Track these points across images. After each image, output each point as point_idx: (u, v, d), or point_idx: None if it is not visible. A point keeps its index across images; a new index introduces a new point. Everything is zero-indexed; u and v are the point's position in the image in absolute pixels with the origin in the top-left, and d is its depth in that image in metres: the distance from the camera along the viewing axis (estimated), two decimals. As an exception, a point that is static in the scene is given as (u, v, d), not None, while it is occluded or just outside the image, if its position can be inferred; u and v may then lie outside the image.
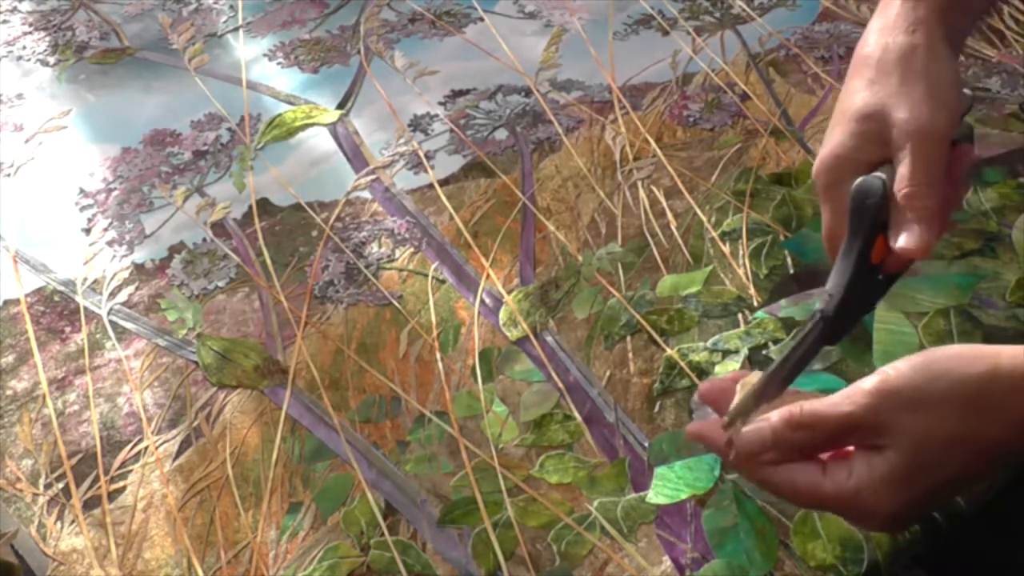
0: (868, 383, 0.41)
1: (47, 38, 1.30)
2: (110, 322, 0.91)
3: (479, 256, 0.92)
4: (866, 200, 0.45)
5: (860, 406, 0.41)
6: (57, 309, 0.93)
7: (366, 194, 1.01)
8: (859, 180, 0.46)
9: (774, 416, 0.44)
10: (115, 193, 1.05)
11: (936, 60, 0.49)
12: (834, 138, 0.50)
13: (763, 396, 0.46)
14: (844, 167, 0.48)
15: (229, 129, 1.11)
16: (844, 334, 0.48)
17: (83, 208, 1.04)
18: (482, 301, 0.88)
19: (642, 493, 0.71)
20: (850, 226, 0.46)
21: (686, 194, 0.95)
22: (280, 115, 1.12)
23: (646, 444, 0.74)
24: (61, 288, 0.95)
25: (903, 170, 0.46)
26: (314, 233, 0.97)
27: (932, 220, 0.46)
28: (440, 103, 1.12)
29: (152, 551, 0.73)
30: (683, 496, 0.70)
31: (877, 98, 0.49)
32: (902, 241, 0.45)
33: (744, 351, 0.79)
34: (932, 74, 0.48)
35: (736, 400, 0.47)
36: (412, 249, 0.94)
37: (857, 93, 0.50)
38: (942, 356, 0.41)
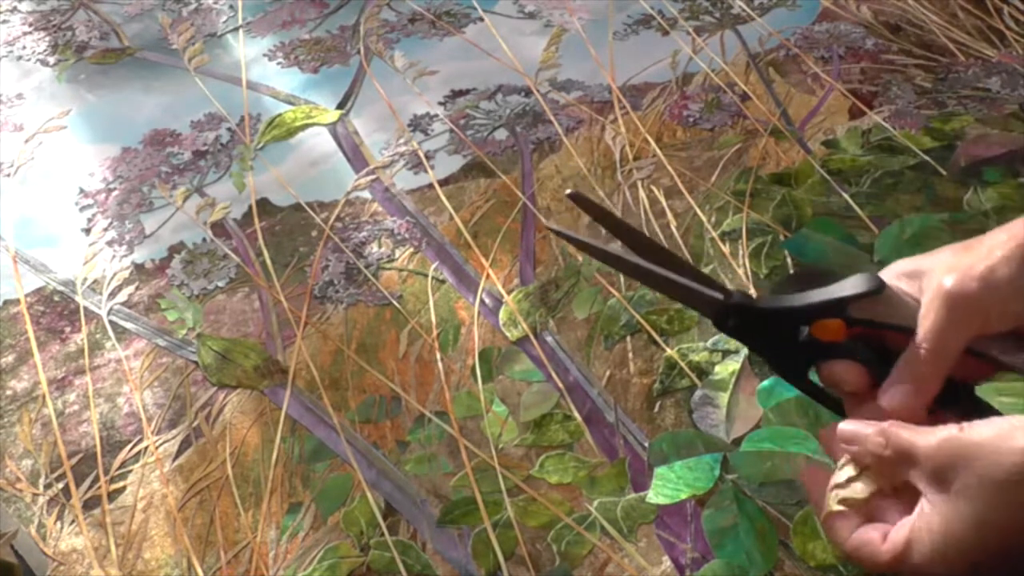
0: (945, 430, 0.42)
1: (47, 38, 1.30)
2: (110, 322, 0.91)
3: (479, 256, 0.92)
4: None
5: (926, 444, 0.42)
6: (57, 309, 0.93)
7: (366, 194, 1.01)
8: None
9: (871, 424, 0.46)
10: (115, 193, 1.05)
11: (1009, 259, 0.47)
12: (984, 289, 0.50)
13: None
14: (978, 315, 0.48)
15: (229, 129, 1.11)
16: None
17: (83, 208, 1.04)
18: (482, 301, 0.88)
19: (642, 493, 0.71)
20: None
21: (686, 194, 0.95)
22: (280, 115, 1.12)
23: (646, 444, 0.74)
24: (61, 288, 0.95)
25: (919, 326, 0.46)
26: (314, 233, 0.97)
27: (923, 387, 0.46)
28: (440, 103, 1.12)
29: (152, 551, 0.73)
30: (683, 496, 0.70)
31: (926, 260, 0.48)
32: (882, 399, 0.47)
33: (744, 351, 0.79)
34: (993, 257, 0.47)
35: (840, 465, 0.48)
36: (412, 249, 0.94)
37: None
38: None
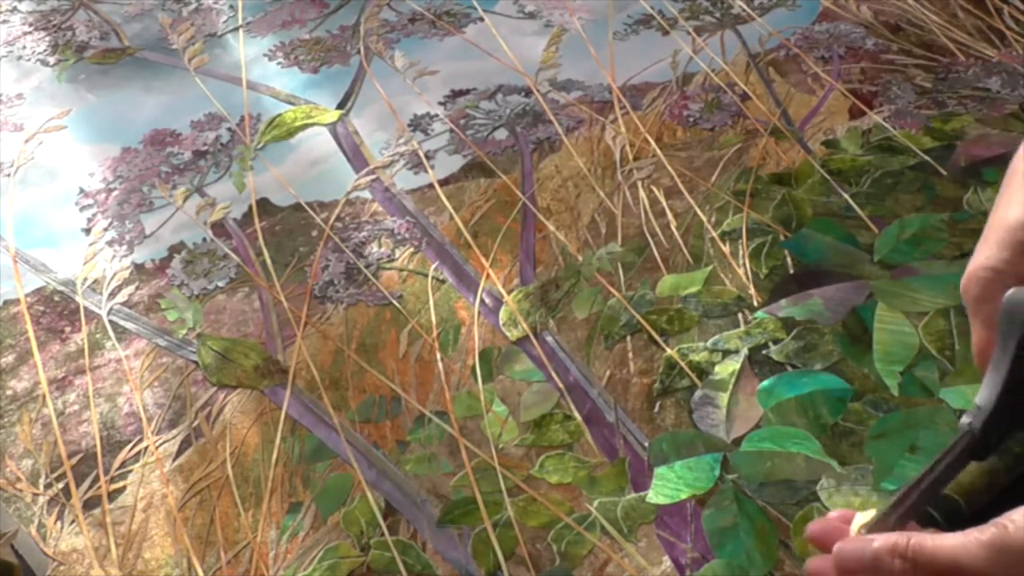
0: (985, 535, 0.37)
1: (47, 38, 1.30)
2: (110, 322, 0.91)
3: (479, 256, 0.92)
4: (1017, 312, 0.44)
5: (973, 556, 0.37)
6: (57, 309, 0.93)
7: (366, 194, 1.01)
8: (1010, 292, 0.44)
9: (879, 539, 0.42)
10: (115, 193, 1.05)
11: None
12: (985, 251, 0.47)
13: (901, 509, 0.45)
14: (996, 280, 0.46)
15: (229, 129, 1.11)
16: (995, 448, 0.47)
17: (83, 208, 1.04)
18: (482, 301, 0.88)
19: (642, 493, 0.71)
20: (1000, 338, 0.45)
21: (686, 194, 0.95)
22: (280, 115, 1.12)
23: (646, 444, 0.74)
24: (61, 288, 0.95)
25: None
26: (314, 233, 0.97)
27: None
28: (440, 103, 1.12)
29: (152, 551, 0.73)
30: (683, 496, 0.70)
31: None
32: None
33: (744, 351, 0.79)
34: None
35: (854, 531, 0.45)
36: (412, 249, 0.94)
37: (1012, 206, 0.48)
38: None
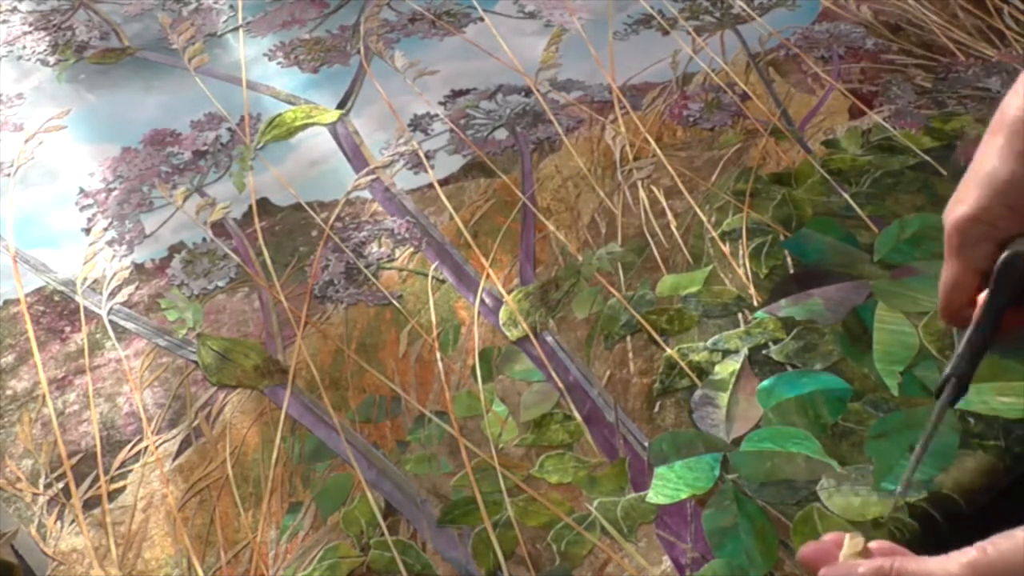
0: (965, 556, 0.39)
1: (47, 38, 1.30)
2: (110, 322, 0.91)
3: (479, 256, 0.92)
4: (1016, 272, 0.46)
5: None
6: (57, 309, 0.93)
7: (366, 194, 1.01)
8: (1010, 251, 0.47)
9: (864, 564, 0.43)
10: (115, 193, 1.05)
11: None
12: (973, 200, 0.49)
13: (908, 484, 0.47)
14: (979, 231, 0.49)
15: (229, 129, 1.11)
16: (964, 395, 0.50)
17: (83, 208, 1.04)
18: (482, 301, 0.88)
19: (642, 493, 0.71)
20: (992, 294, 0.47)
21: (686, 194, 0.95)
22: (280, 115, 1.12)
23: (646, 444, 0.74)
24: (61, 288, 0.95)
25: None
26: (314, 233, 0.97)
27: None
28: (440, 103, 1.12)
29: (152, 551, 0.73)
30: (683, 496, 0.70)
31: None
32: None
33: (744, 351, 0.79)
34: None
35: (843, 557, 0.46)
36: (412, 249, 0.94)
37: (1002, 159, 0.49)
38: None
